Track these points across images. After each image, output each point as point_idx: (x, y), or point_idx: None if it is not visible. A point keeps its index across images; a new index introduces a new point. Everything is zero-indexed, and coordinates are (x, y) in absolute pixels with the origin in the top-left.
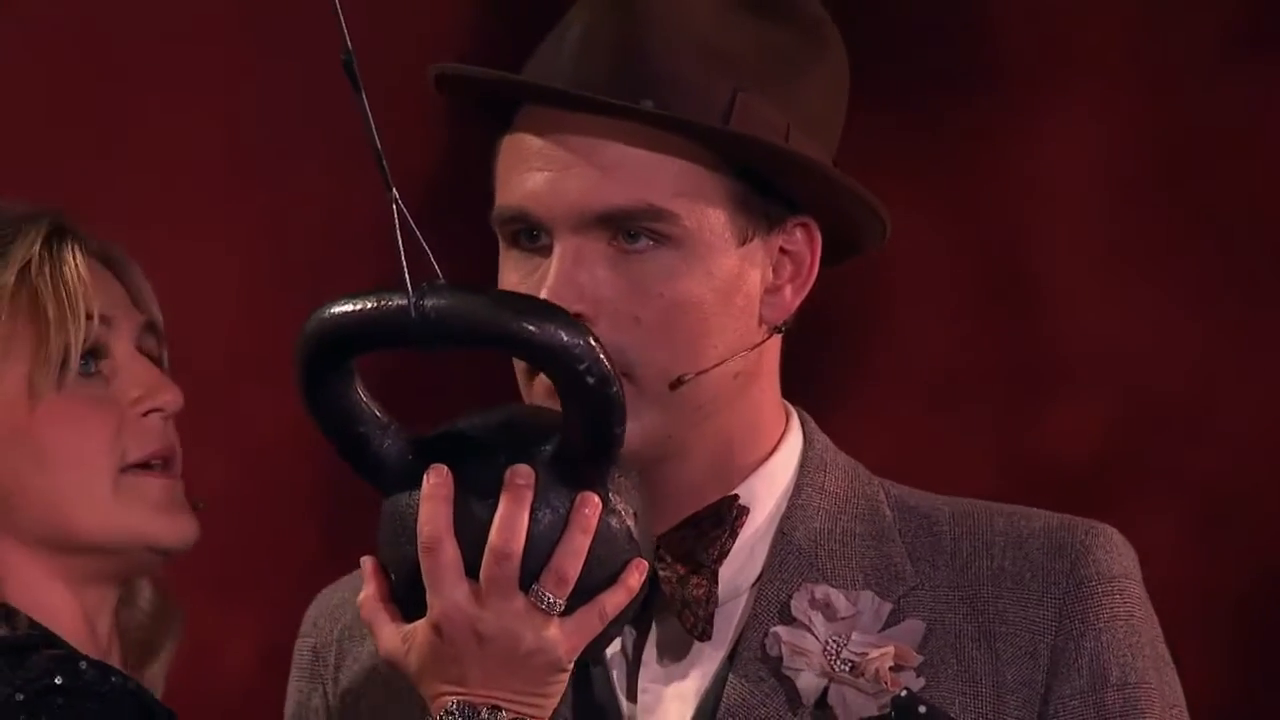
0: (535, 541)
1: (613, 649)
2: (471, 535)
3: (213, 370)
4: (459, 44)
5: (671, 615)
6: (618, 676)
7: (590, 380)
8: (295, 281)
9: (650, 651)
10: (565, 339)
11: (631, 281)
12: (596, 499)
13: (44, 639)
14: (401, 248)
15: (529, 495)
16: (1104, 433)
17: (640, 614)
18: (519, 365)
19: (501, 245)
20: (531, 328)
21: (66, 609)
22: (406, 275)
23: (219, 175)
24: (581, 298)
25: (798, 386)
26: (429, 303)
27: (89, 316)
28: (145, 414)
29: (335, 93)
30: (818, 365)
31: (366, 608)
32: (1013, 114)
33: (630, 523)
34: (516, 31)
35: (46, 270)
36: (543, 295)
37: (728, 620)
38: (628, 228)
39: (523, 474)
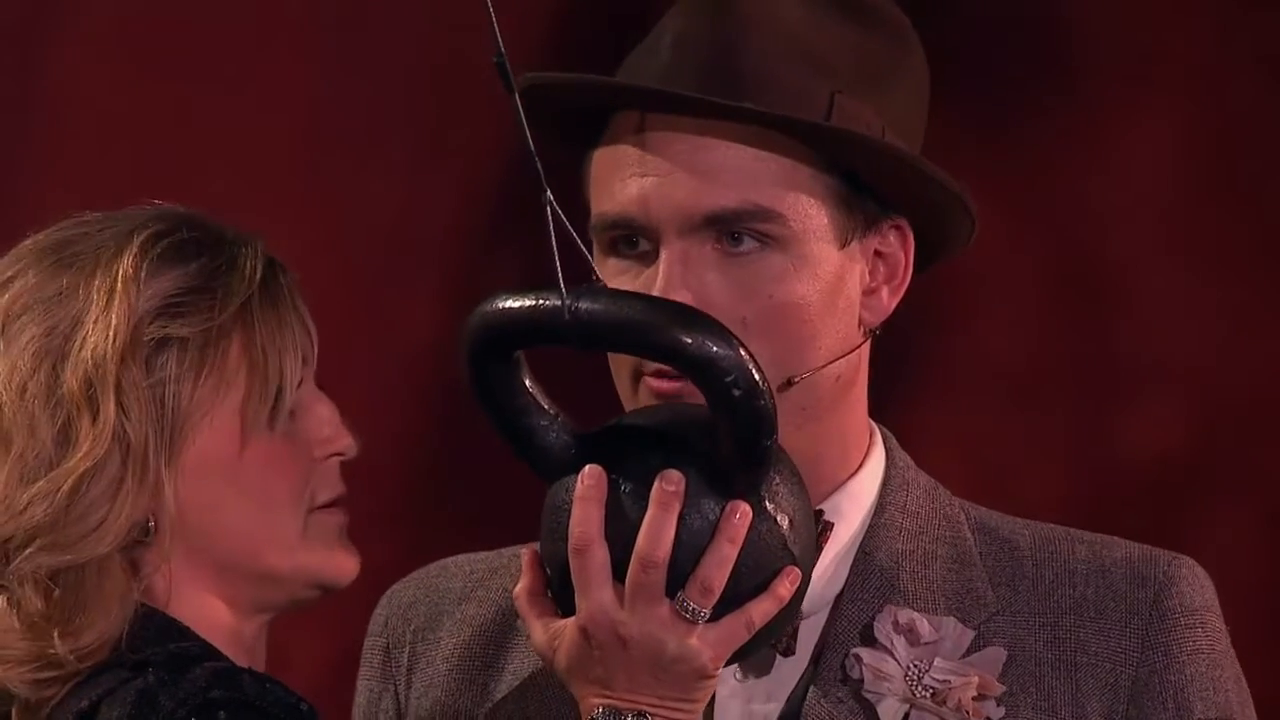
0: (684, 547)
1: None
2: (623, 537)
3: None
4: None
5: None
6: None
7: (737, 392)
8: (360, 286)
9: (730, 666)
10: (715, 349)
11: (739, 284)
12: (746, 508)
13: (206, 652)
14: (555, 249)
15: (677, 503)
16: (1180, 435)
17: None
18: (621, 371)
19: (597, 254)
20: (684, 338)
21: (227, 632)
22: (560, 277)
23: (287, 179)
24: (690, 301)
25: (874, 390)
26: (582, 305)
27: (305, 361)
28: (328, 457)
29: (405, 97)
30: (893, 369)
31: (521, 600)
32: (1089, 118)
33: (784, 530)
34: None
35: (267, 306)
36: None
37: (808, 635)
38: (734, 229)
39: (672, 480)
